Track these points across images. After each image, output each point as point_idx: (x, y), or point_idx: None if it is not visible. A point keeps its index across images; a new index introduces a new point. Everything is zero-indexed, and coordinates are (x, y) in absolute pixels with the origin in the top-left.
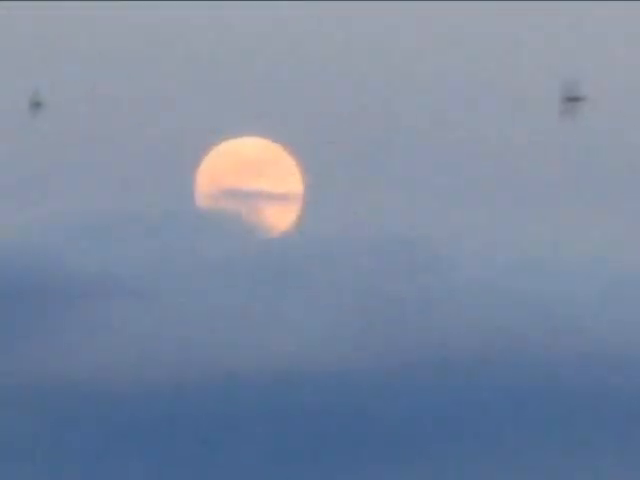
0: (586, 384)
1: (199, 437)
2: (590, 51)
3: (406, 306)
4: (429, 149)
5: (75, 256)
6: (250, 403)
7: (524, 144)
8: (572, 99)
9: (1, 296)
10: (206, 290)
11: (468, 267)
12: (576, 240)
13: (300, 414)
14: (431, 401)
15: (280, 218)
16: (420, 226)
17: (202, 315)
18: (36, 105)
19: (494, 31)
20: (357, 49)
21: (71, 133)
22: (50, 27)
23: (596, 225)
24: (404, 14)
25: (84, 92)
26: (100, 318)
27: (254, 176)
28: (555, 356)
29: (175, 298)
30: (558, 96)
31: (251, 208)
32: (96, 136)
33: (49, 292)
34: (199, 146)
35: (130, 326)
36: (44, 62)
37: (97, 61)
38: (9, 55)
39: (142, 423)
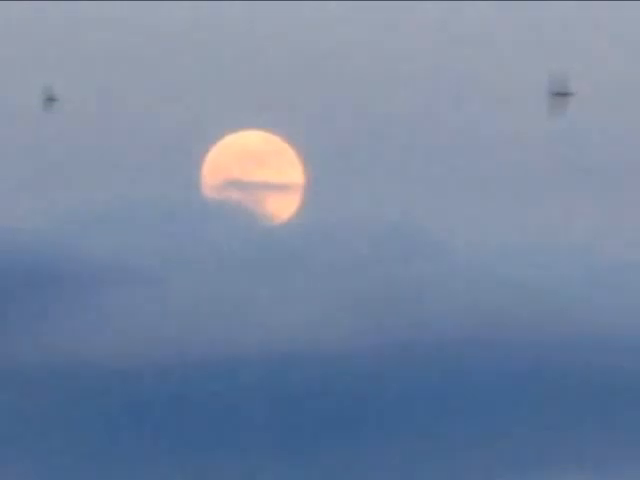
0: (573, 365)
1: (206, 414)
2: (579, 47)
3: (403, 291)
4: (425, 142)
5: (87, 245)
6: (254, 382)
7: (514, 137)
8: (560, 94)
9: (17, 283)
10: (212, 276)
11: (461, 254)
12: (564, 228)
13: (301, 392)
14: (426, 380)
15: (282, 207)
16: (416, 215)
17: (208, 300)
18: (49, 100)
19: (484, 28)
20: (355, 46)
21: (83, 127)
22: (62, 26)
23: (583, 214)
24: (401, 14)
25: (95, 88)
26: (112, 303)
27: (257, 168)
28: (544, 338)
29: (183, 284)
30: (547, 91)
31: (254, 198)
32: (107, 130)
33: (63, 279)
34: (205, 140)
35: (140, 310)
36: (57, 59)
37: (107, 59)
38: (24, 53)
39: (151, 401)
